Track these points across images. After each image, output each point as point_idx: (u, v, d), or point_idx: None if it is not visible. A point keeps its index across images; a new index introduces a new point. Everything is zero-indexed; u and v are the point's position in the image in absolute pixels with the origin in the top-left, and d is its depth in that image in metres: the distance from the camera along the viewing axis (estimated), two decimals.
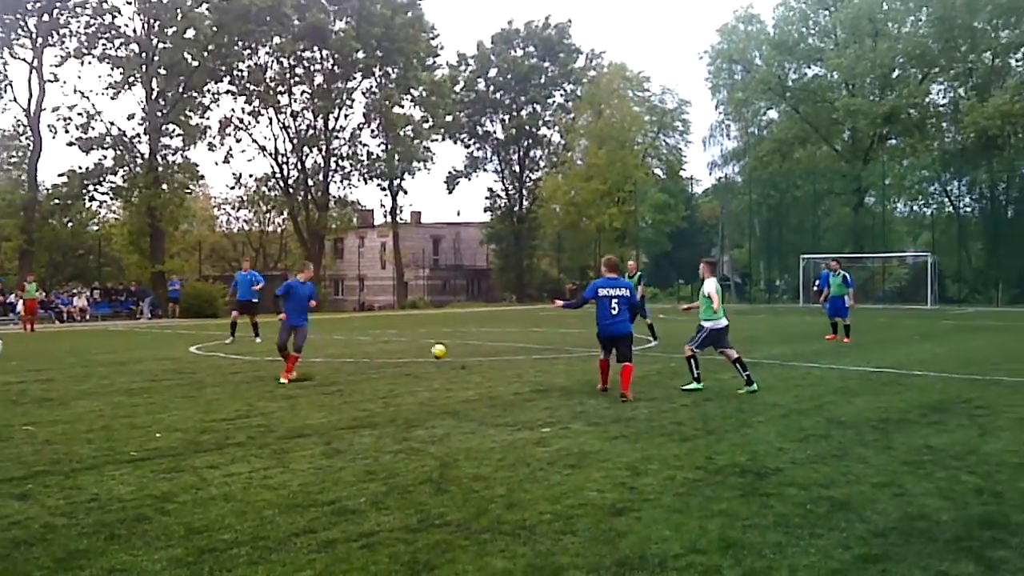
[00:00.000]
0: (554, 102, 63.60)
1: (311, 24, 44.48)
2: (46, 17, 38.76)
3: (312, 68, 48.25)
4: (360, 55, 46.66)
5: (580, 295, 11.17)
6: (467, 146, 64.34)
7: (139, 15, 40.76)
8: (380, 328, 26.33)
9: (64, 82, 52.48)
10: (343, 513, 5.28)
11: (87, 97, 43.01)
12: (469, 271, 70.98)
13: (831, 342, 18.02)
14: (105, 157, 41.07)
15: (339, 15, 47.09)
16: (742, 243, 53.94)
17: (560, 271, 60.66)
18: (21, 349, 19.45)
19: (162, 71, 41.09)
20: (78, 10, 39.33)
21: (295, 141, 48.09)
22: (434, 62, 52.58)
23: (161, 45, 41.04)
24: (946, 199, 45.69)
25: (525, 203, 64.28)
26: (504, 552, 4.52)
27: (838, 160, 49.59)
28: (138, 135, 41.41)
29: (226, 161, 48.50)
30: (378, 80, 50.02)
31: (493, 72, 62.37)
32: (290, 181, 49.00)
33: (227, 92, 45.39)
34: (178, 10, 39.99)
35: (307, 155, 48.95)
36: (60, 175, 41.21)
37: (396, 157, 49.67)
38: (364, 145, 50.53)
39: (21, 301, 30.16)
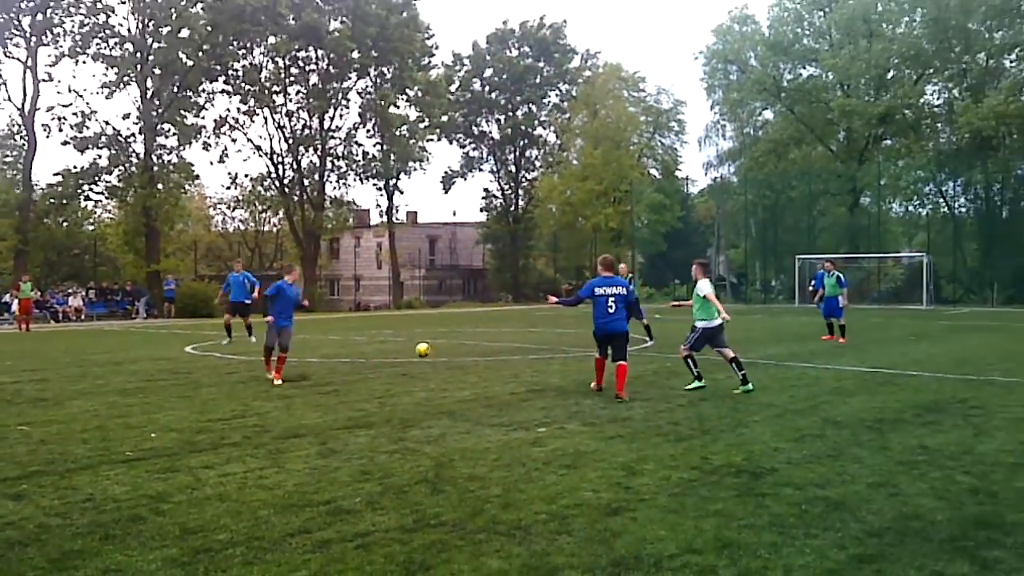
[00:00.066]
0: (550, 102, 63.71)
1: (306, 24, 44.46)
2: (40, 16, 38.64)
3: (307, 68, 48.18)
4: (355, 55, 46.60)
5: (576, 294, 11.16)
6: (463, 146, 64.41)
7: (133, 14, 40.73)
8: (376, 328, 26.31)
9: (59, 81, 52.44)
10: (338, 513, 5.28)
11: (82, 96, 42.81)
12: (465, 271, 70.98)
13: (827, 342, 18.07)
14: (100, 156, 41.05)
15: (334, 15, 47.06)
16: (738, 243, 54.05)
17: (556, 271, 60.69)
18: (16, 349, 19.41)
19: (157, 70, 41.01)
20: (72, 9, 39.23)
21: (290, 141, 48.02)
22: (429, 62, 52.62)
23: (156, 44, 41.00)
24: (941, 199, 45.78)
25: (521, 203, 64.35)
26: (500, 552, 4.52)
27: (833, 160, 49.69)
28: (133, 135, 41.44)
29: (221, 161, 48.53)
30: (373, 80, 50.01)
31: (488, 72, 62.39)
32: (286, 181, 48.92)
33: (222, 91, 45.34)
34: (172, 9, 39.94)
35: (303, 155, 48.91)
36: (55, 174, 41.27)
37: (392, 157, 49.66)
38: (360, 145, 50.65)
39: (16, 301, 30.08)
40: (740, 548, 4.55)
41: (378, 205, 54.69)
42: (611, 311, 10.28)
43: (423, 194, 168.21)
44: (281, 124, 47.77)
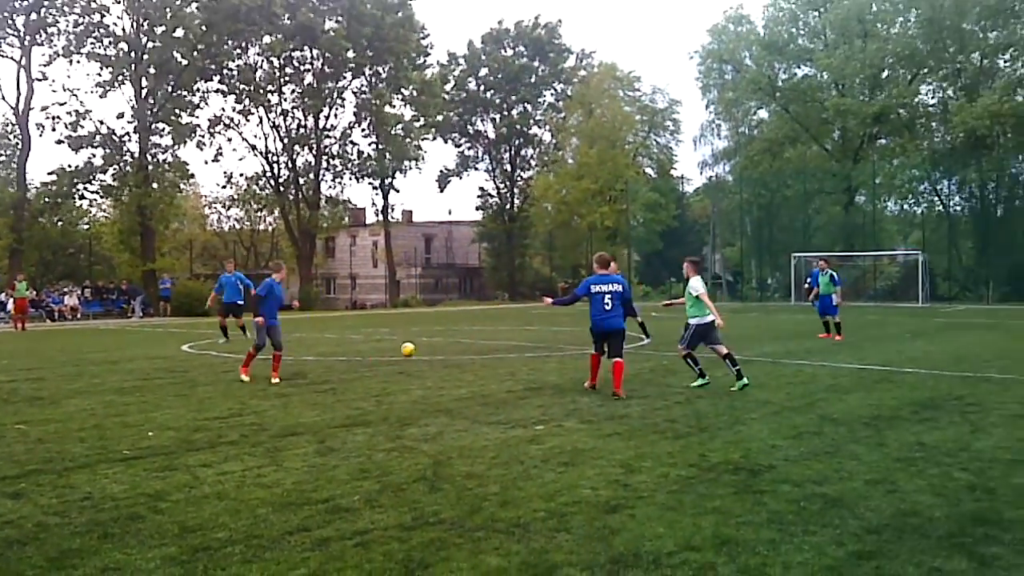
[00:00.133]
0: (545, 101, 63.68)
1: (301, 23, 44.37)
2: (34, 15, 38.58)
3: (302, 67, 48.15)
4: (350, 54, 46.55)
5: (572, 292, 11.17)
6: (458, 145, 64.37)
7: (128, 14, 40.66)
8: (372, 326, 26.28)
9: (53, 81, 52.16)
10: (337, 511, 5.28)
11: (76, 96, 42.65)
12: (461, 269, 70.96)
13: (823, 340, 18.10)
14: (95, 156, 41.02)
15: (329, 14, 46.99)
16: (733, 242, 54.10)
17: (552, 269, 60.68)
18: (12, 348, 19.36)
19: (151, 70, 40.95)
20: (66, 8, 39.16)
21: (286, 140, 47.98)
22: (424, 61, 52.52)
23: (150, 44, 40.92)
24: (936, 198, 45.95)
25: (517, 202, 64.32)
26: (498, 550, 4.53)
27: (828, 159, 49.79)
28: (128, 134, 41.31)
29: (216, 160, 48.41)
30: (368, 79, 49.93)
31: (484, 72, 62.29)
32: (281, 180, 48.87)
33: (217, 91, 45.30)
34: (167, 9, 39.85)
35: (298, 154, 48.89)
36: (50, 173, 41.19)
37: (387, 156, 49.59)
38: (355, 144, 50.48)
39: (11, 300, 30.02)
40: (738, 545, 4.56)
41: (374, 204, 54.74)
42: (608, 308, 10.30)
43: (419, 193, 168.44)
44: (276, 123, 47.78)
